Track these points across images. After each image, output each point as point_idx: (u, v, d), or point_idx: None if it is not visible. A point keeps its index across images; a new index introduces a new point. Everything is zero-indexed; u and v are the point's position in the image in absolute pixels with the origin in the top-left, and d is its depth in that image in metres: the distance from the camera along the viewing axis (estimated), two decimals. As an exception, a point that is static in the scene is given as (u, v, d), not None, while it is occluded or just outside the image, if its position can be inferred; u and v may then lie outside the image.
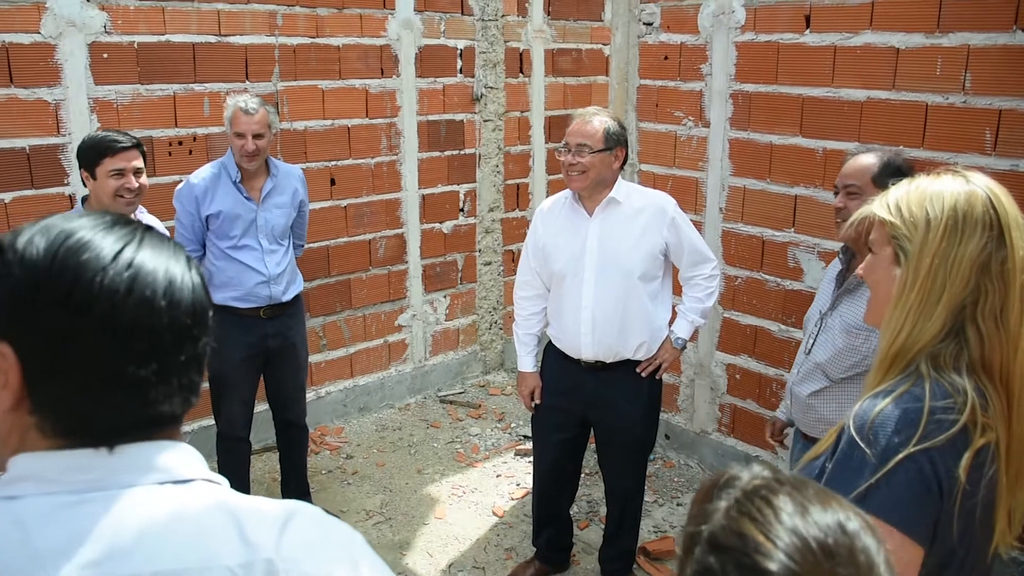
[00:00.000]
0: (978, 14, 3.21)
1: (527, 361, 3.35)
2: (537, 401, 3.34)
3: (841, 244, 2.68)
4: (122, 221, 0.93)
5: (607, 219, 3.09)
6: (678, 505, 4.21)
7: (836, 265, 2.68)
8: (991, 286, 1.31)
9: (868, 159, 2.51)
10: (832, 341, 2.55)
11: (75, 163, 3.30)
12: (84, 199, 3.17)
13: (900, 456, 1.26)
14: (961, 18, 3.26)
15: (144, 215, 3.33)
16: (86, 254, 0.86)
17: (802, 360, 2.68)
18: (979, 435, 1.28)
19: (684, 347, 3.30)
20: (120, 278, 0.86)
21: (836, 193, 2.58)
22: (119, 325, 0.85)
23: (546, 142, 5.70)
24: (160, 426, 0.91)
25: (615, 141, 3.04)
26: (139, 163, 3.04)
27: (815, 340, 2.61)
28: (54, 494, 0.85)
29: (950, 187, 1.37)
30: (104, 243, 0.87)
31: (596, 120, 3.02)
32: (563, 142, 3.04)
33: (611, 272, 3.07)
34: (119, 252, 0.87)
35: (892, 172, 2.42)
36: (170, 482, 0.89)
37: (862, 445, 1.28)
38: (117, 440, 0.88)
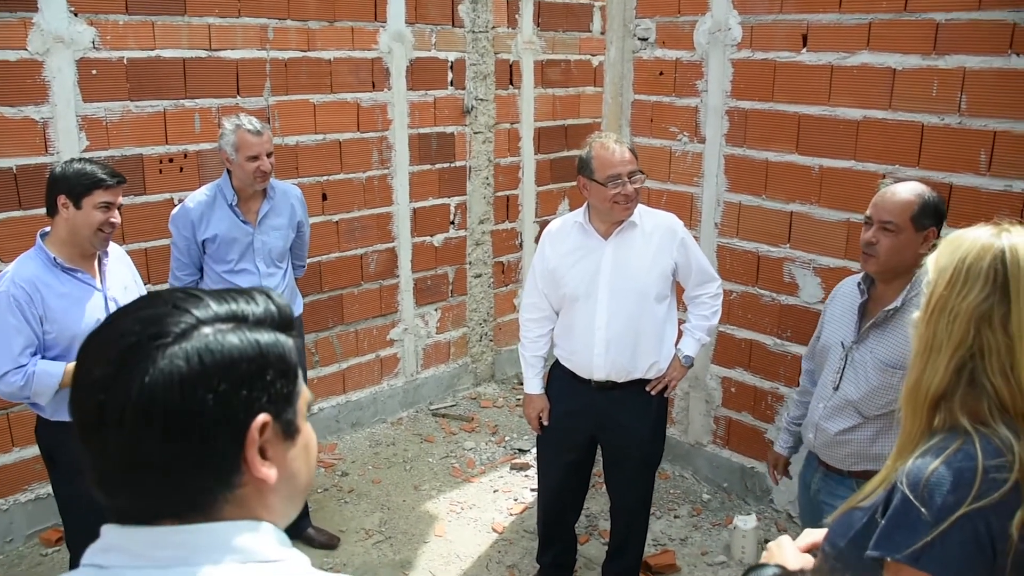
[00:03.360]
0: (974, 37, 3.26)
1: (534, 383, 3.35)
2: (545, 423, 3.34)
3: (863, 274, 2.61)
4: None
5: (622, 242, 3.10)
6: (675, 517, 4.24)
7: (854, 294, 2.60)
8: (994, 340, 1.32)
9: (906, 196, 2.41)
10: (865, 378, 2.49)
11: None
12: (44, 234, 2.90)
13: (955, 516, 1.27)
14: (958, 41, 3.31)
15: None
16: None
17: (829, 395, 2.61)
18: None
19: (691, 365, 3.32)
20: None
21: (867, 224, 2.48)
22: None
23: (536, 153, 5.71)
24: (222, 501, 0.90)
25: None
26: (122, 200, 2.96)
27: (842, 375, 2.55)
28: (140, 568, 0.86)
29: (973, 238, 1.39)
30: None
31: (624, 144, 3.06)
32: (613, 176, 2.97)
33: (626, 293, 3.09)
34: None
35: (931, 212, 2.40)
36: (253, 562, 0.89)
37: (917, 504, 1.29)
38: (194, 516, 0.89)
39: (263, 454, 0.90)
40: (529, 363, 3.36)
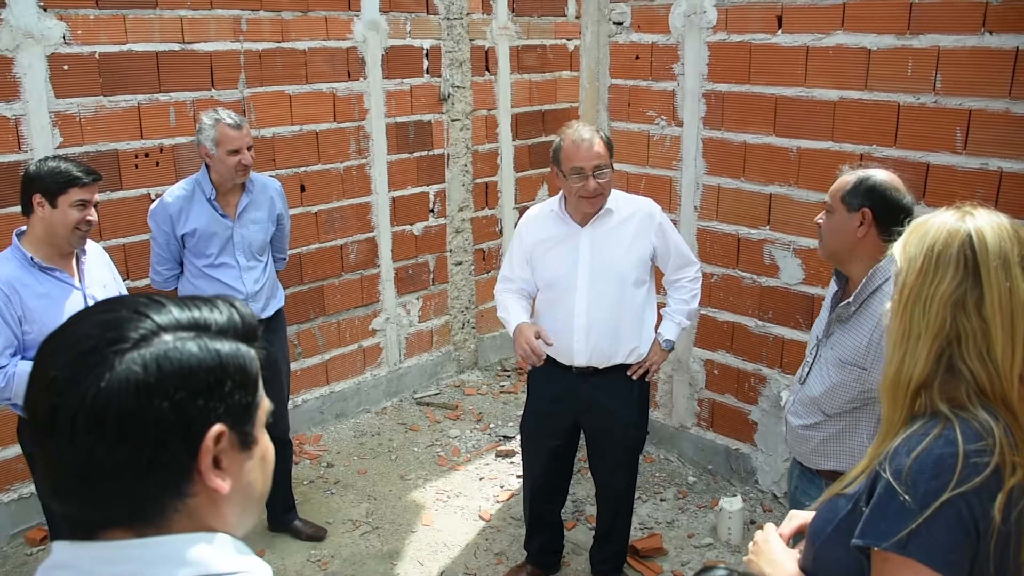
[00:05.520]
0: (948, 16, 3.28)
1: (519, 315, 3.16)
2: (548, 342, 3.06)
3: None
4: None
5: (599, 228, 3.11)
6: (661, 500, 4.27)
7: (834, 286, 2.51)
8: (969, 325, 1.33)
9: (846, 176, 2.34)
10: (827, 374, 2.40)
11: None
12: (20, 233, 2.87)
13: (939, 502, 1.27)
14: (931, 20, 3.32)
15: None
16: None
17: (797, 389, 2.54)
18: (1010, 474, 1.31)
19: (672, 349, 3.33)
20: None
21: None
22: None
23: (513, 139, 5.69)
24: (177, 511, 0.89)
25: (612, 149, 3.08)
26: (98, 196, 2.94)
27: (810, 369, 2.48)
28: None
29: (939, 224, 1.39)
30: None
31: (596, 137, 3.02)
32: (576, 170, 2.98)
33: (605, 279, 3.10)
34: None
35: (864, 192, 2.27)
36: (207, 574, 0.88)
37: (900, 491, 1.30)
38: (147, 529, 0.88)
39: (217, 464, 0.89)
40: (506, 304, 3.21)
